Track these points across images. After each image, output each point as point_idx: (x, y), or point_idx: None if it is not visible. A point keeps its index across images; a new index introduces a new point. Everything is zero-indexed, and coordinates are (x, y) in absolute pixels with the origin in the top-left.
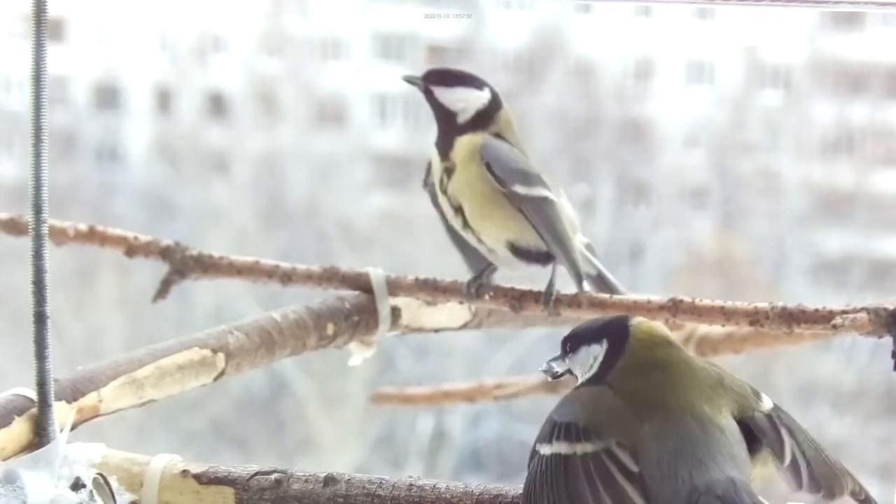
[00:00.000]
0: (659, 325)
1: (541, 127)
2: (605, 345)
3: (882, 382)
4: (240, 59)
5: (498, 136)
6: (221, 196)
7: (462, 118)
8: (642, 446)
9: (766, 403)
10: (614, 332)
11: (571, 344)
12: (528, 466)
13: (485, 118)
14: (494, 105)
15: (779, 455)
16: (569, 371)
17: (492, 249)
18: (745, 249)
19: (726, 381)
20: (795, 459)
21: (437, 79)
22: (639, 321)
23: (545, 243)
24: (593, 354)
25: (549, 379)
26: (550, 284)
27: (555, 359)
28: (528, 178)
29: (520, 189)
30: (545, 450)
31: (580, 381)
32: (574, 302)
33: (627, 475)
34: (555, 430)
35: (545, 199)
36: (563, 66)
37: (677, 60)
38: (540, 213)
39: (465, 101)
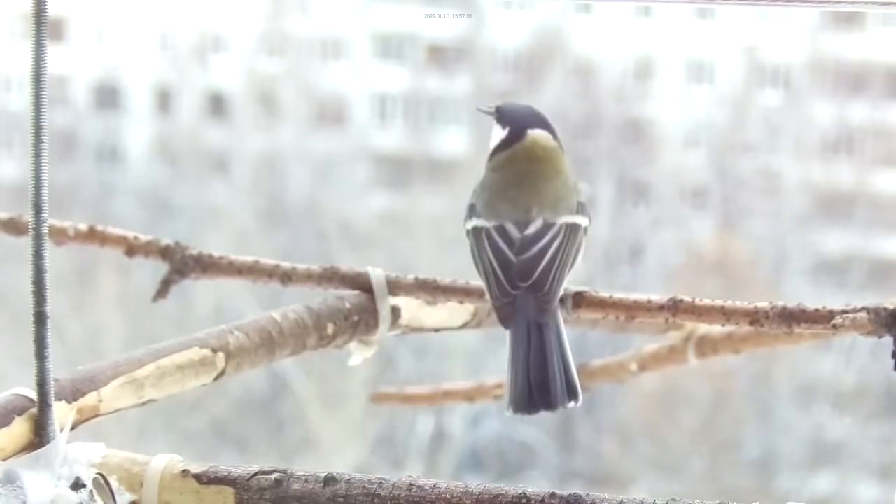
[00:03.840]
0: (546, 138)
1: None
2: (506, 132)
3: (882, 382)
4: (240, 59)
5: None
6: (221, 196)
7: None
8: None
9: None
10: (515, 127)
11: (498, 115)
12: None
13: None
14: None
15: None
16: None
17: None
18: (745, 249)
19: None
20: None
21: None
22: (536, 133)
23: None
24: (499, 135)
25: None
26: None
27: (490, 112)
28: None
29: None
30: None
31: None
32: (575, 302)
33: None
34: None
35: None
36: (563, 66)
37: (677, 60)
38: None
39: None
